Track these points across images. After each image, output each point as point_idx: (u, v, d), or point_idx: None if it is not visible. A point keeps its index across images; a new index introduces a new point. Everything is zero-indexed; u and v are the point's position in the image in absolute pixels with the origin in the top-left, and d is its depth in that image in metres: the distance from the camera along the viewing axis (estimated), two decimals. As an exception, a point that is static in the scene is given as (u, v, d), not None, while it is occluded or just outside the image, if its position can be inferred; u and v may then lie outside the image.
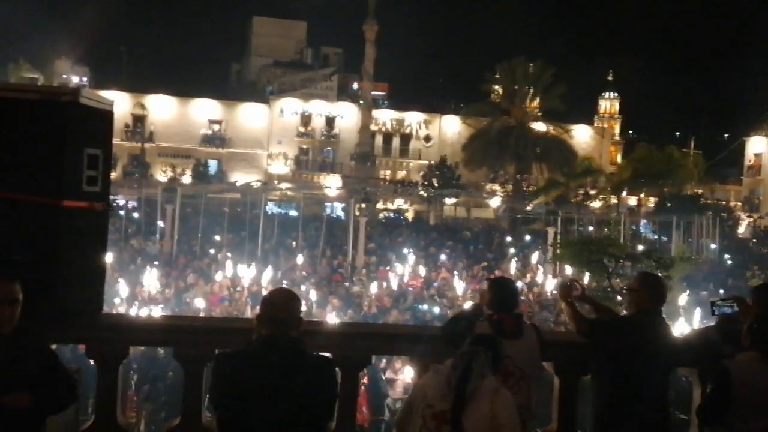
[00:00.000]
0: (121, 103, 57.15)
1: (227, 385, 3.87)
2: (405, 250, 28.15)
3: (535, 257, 28.38)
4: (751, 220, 57.67)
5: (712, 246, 35.74)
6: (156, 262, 23.11)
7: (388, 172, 61.76)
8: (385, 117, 63.39)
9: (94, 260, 5.26)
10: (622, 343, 5.11)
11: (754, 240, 49.42)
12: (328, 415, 4.20)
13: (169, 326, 5.93)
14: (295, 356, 3.88)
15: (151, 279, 18.81)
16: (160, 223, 29.40)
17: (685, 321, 15.55)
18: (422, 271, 24.72)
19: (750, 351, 4.60)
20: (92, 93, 5.42)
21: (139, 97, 59.71)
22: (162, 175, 54.86)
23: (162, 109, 60.19)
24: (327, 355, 4.43)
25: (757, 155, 63.47)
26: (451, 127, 63.14)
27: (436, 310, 17.67)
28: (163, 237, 28.13)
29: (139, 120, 59.66)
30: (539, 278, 23.57)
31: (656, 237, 41.95)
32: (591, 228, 36.55)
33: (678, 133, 74.68)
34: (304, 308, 15.51)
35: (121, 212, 33.68)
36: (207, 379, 4.61)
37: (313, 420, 3.93)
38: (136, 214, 36.45)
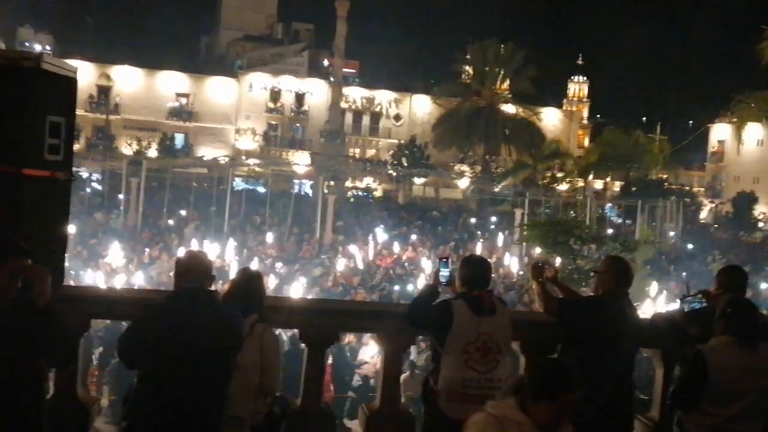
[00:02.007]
0: (85, 73, 56.05)
1: (147, 338, 4.13)
2: (373, 229, 28.13)
3: (501, 238, 28.52)
4: (713, 205, 58.52)
5: (671, 233, 36.20)
6: (120, 236, 22.81)
7: (357, 151, 61.56)
8: (355, 95, 63.11)
9: (55, 231, 5.13)
10: (589, 323, 5.14)
11: (716, 225, 50.19)
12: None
13: (131, 299, 5.82)
14: (210, 307, 4.28)
15: (115, 252, 18.56)
16: (123, 197, 28.96)
17: (651, 303, 15.75)
18: (393, 248, 24.71)
19: (723, 335, 4.62)
20: (55, 59, 5.25)
21: (104, 68, 58.69)
22: (127, 147, 54.05)
23: (128, 80, 59.24)
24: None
25: (720, 142, 64.33)
26: (422, 107, 63.07)
27: (408, 287, 17.64)
28: (128, 211, 27.75)
29: (104, 91, 58.68)
30: (506, 259, 23.69)
31: (621, 220, 42.42)
32: (558, 210, 36.81)
33: (644, 119, 75.41)
34: (272, 285, 15.34)
35: (88, 188, 33.21)
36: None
37: (226, 365, 4.29)
38: (99, 187, 35.93)
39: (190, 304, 4.21)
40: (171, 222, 27.03)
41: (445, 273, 5.27)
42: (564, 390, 3.42)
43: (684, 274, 23.97)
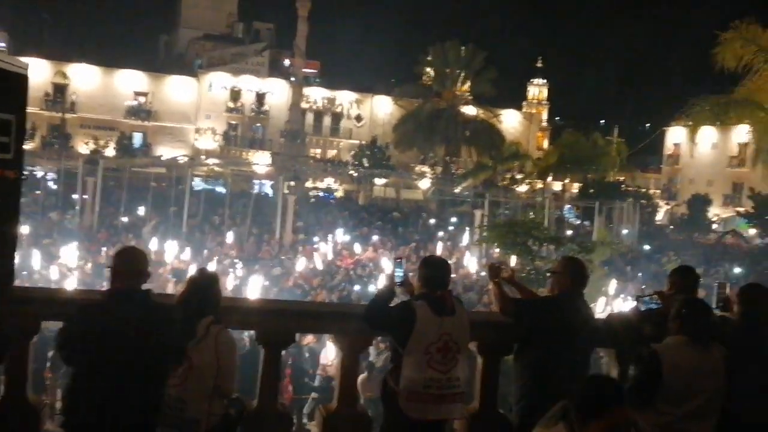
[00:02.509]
0: (41, 70, 55.12)
1: (79, 337, 4.20)
2: (334, 230, 28.06)
3: (463, 239, 28.66)
4: (669, 207, 59.48)
5: (624, 231, 36.74)
6: (76, 236, 22.42)
7: (318, 151, 61.39)
8: (316, 95, 62.95)
9: (4, 230, 5.02)
10: (545, 323, 5.19)
11: (671, 227, 51.02)
12: (175, 358, 4.43)
13: (82, 301, 5.69)
14: (143, 307, 4.28)
15: (70, 252, 18.23)
16: (78, 196, 28.47)
17: (607, 303, 15.93)
18: (354, 249, 24.69)
19: (678, 335, 4.68)
20: (4, 55, 5.14)
21: (60, 66, 57.69)
22: (84, 146, 53.19)
23: (85, 78, 58.29)
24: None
25: (676, 145, 65.37)
26: (383, 108, 63.10)
27: (369, 288, 17.61)
28: (84, 211, 27.30)
29: (60, 89, 57.69)
30: (465, 260, 23.80)
31: (579, 221, 42.91)
32: (517, 211, 37.10)
33: (602, 121, 76.44)
34: (231, 286, 15.20)
35: (43, 188, 32.56)
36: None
37: (158, 366, 4.29)
38: (54, 186, 35.29)
39: (121, 304, 4.24)
40: (127, 220, 26.64)
41: (399, 273, 5.26)
42: (609, 405, 3.25)
43: (640, 274, 24.35)
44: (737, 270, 26.43)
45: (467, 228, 31.39)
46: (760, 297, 5.13)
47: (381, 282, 16.78)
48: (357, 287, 18.34)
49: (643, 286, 22.08)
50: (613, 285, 18.05)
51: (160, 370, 4.31)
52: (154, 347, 4.21)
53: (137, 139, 57.89)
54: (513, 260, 17.97)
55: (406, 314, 4.91)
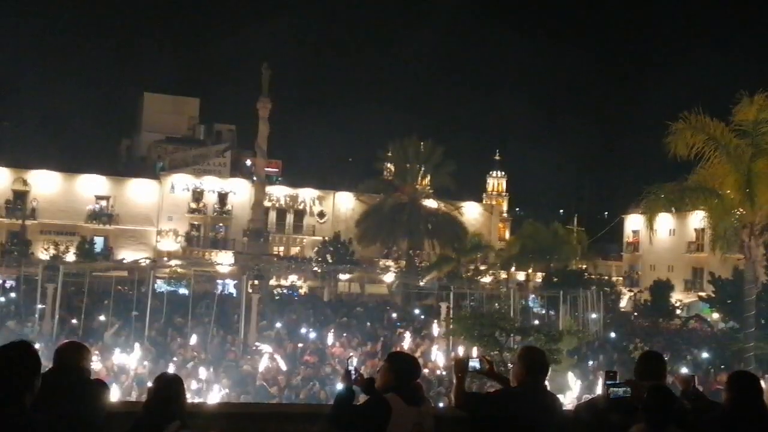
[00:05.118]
0: (1, 178, 54.95)
1: None
2: (298, 328, 27.74)
3: (434, 331, 28.55)
4: (632, 294, 60.05)
5: (594, 315, 36.92)
6: (38, 345, 21.84)
7: (281, 249, 61.30)
8: (279, 193, 63.35)
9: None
10: (498, 418, 5.13)
11: (635, 313, 51.34)
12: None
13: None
14: (71, 382, 4.69)
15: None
16: (40, 306, 27.90)
17: (574, 393, 15.82)
18: (320, 345, 24.38)
19: (641, 422, 4.70)
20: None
21: (21, 173, 57.54)
22: (44, 252, 52.47)
23: (46, 184, 58.06)
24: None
25: (635, 232, 66.50)
26: (345, 204, 63.61)
27: (338, 386, 17.30)
28: (43, 318, 26.69)
29: (20, 196, 57.34)
30: (433, 354, 23.60)
31: (544, 311, 43.01)
32: (482, 302, 37.15)
33: (561, 211, 77.95)
34: (193, 387, 14.81)
35: (2, 297, 31.88)
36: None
37: None
38: (13, 294, 34.58)
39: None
40: (88, 325, 26.07)
41: (351, 370, 5.27)
42: None
43: (605, 362, 24.28)
44: (705, 355, 26.55)
45: (435, 321, 31.25)
46: (749, 384, 5.22)
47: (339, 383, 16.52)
48: (326, 386, 18.04)
49: (611, 373, 22.07)
50: (572, 377, 17.97)
51: None
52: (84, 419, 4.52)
53: (99, 243, 57.31)
54: (475, 352, 17.86)
55: (379, 409, 4.89)
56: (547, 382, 5.47)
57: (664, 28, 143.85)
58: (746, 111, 21.21)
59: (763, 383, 5.32)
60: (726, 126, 21.53)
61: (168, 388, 4.76)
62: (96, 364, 19.65)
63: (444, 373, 20.80)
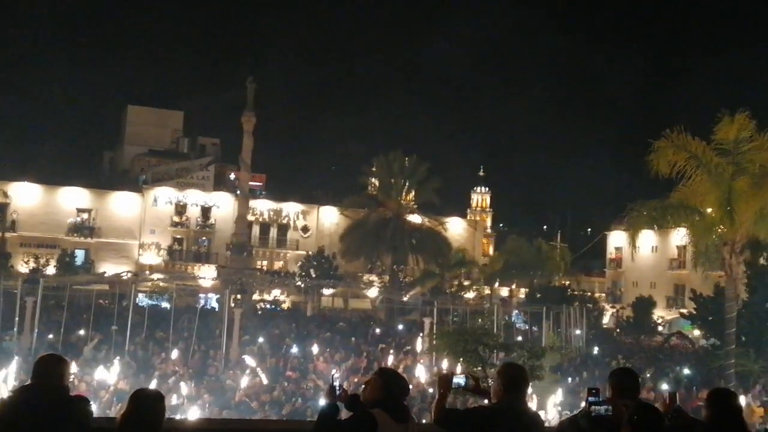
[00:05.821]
0: (-19, 190, 54.44)
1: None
2: (281, 343, 27.58)
3: (414, 347, 28.46)
4: (615, 310, 60.25)
5: (577, 332, 36.99)
6: (16, 358, 21.57)
7: (265, 263, 61.02)
8: (262, 207, 63.16)
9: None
10: None
11: (618, 330, 51.48)
12: None
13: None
14: (52, 399, 4.67)
15: (8, 375, 17.51)
16: (18, 317, 27.59)
17: (556, 409, 15.81)
18: (303, 361, 24.26)
19: None
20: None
21: (1, 185, 57.02)
22: (23, 265, 51.97)
23: (26, 197, 57.56)
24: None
25: (617, 248, 66.85)
26: (329, 218, 63.53)
27: (321, 401, 17.20)
28: (22, 332, 26.41)
29: (0, 208, 56.80)
30: (417, 370, 23.53)
31: (528, 327, 43.04)
32: (466, 318, 37.14)
33: (545, 227, 78.25)
34: (173, 403, 14.70)
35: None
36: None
37: None
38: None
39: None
40: (65, 340, 25.80)
41: (336, 386, 5.26)
42: None
43: (583, 377, 24.28)
44: (686, 371, 26.66)
45: (420, 335, 31.20)
46: (728, 402, 5.25)
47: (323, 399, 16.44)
48: (308, 401, 17.92)
49: (594, 390, 22.11)
50: (563, 390, 18.00)
51: None
52: None
53: (80, 256, 56.82)
54: (459, 368, 17.85)
55: (365, 424, 4.88)
56: (534, 397, 5.48)
57: (644, 48, 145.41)
58: (727, 130, 21.45)
59: (743, 399, 5.35)
60: (707, 144, 21.75)
61: (144, 405, 4.69)
62: (75, 380, 19.50)
63: (429, 389, 20.75)
